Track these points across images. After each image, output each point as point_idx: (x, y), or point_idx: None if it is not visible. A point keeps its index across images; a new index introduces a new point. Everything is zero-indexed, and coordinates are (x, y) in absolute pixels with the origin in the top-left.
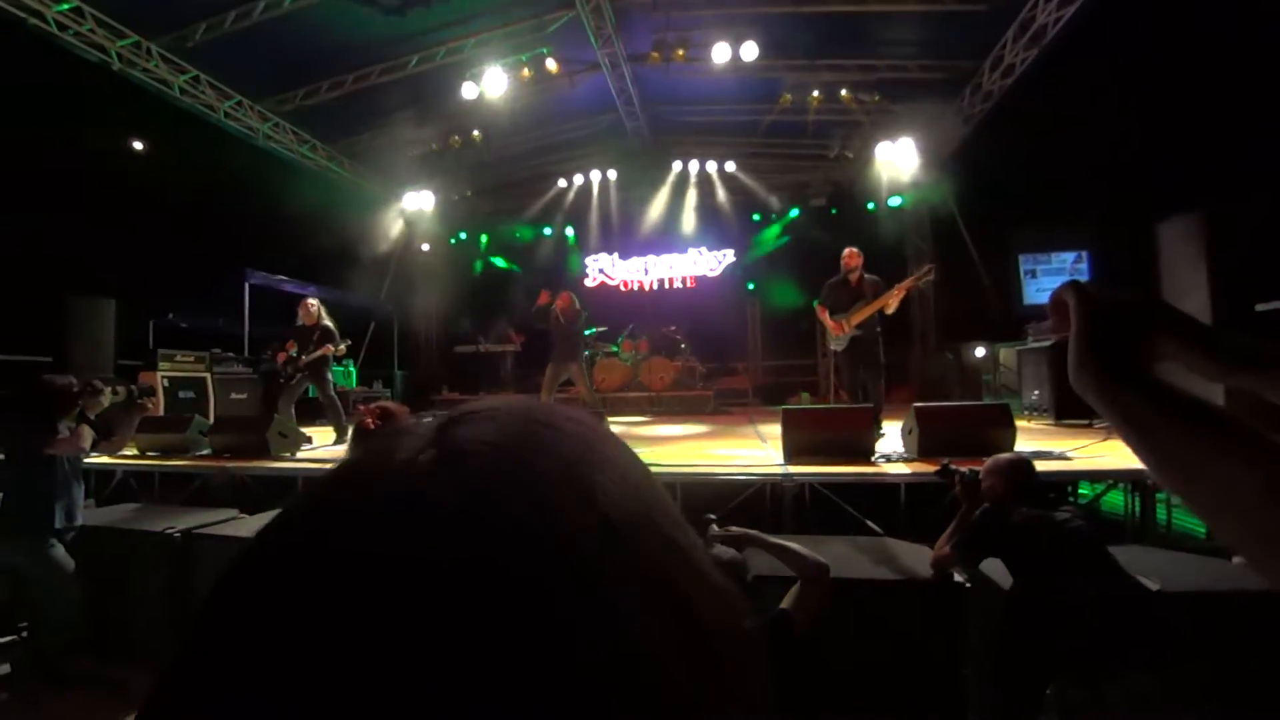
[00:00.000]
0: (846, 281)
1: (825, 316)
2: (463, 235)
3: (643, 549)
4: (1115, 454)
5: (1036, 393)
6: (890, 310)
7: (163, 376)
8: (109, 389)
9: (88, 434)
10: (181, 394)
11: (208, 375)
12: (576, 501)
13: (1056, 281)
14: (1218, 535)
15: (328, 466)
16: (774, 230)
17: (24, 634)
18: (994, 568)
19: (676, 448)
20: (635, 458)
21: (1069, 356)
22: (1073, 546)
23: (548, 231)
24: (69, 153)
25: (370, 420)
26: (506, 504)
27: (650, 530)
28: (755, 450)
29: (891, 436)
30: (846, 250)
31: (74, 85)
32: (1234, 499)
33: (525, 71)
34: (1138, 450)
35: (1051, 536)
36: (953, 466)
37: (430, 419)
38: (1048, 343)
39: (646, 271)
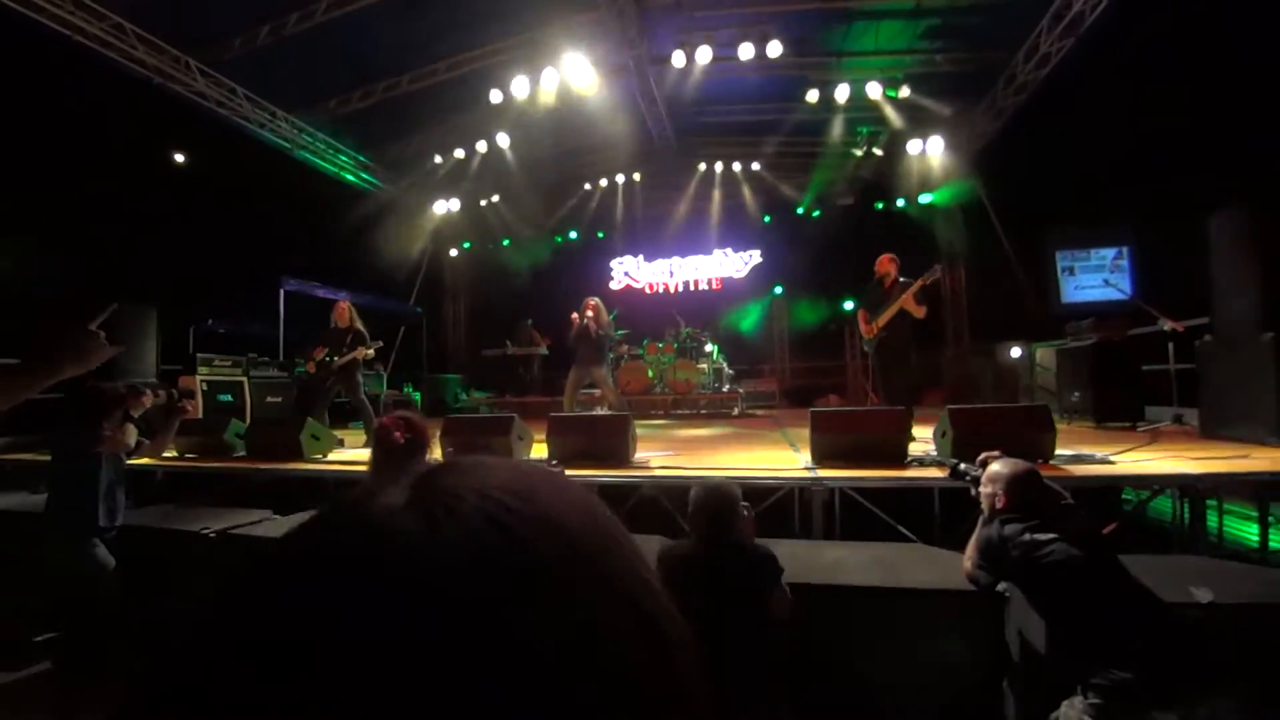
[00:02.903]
0: (880, 285)
1: (861, 319)
2: (489, 241)
3: (607, 572)
4: (1161, 458)
5: (1076, 394)
6: (919, 314)
7: (201, 380)
8: (150, 392)
9: (132, 431)
10: (219, 397)
11: (244, 379)
12: (538, 527)
13: (1096, 279)
14: None
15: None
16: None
17: (66, 630)
18: None
19: (702, 450)
20: (594, 500)
21: None
22: (1069, 577)
23: (574, 235)
24: (114, 165)
25: (399, 435)
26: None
27: (612, 555)
28: (783, 453)
29: (924, 440)
30: (880, 257)
31: (118, 99)
32: None
33: (550, 76)
34: None
35: (1044, 574)
36: (963, 467)
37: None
38: (1088, 342)
39: (672, 274)
